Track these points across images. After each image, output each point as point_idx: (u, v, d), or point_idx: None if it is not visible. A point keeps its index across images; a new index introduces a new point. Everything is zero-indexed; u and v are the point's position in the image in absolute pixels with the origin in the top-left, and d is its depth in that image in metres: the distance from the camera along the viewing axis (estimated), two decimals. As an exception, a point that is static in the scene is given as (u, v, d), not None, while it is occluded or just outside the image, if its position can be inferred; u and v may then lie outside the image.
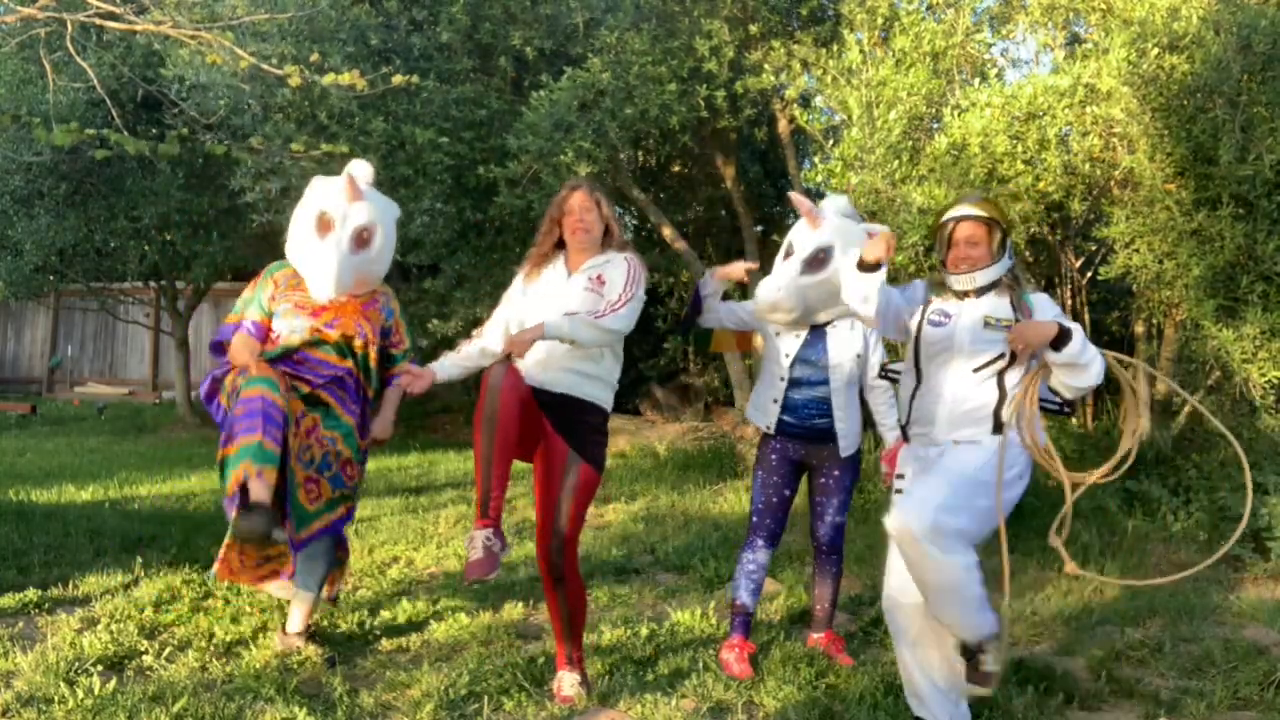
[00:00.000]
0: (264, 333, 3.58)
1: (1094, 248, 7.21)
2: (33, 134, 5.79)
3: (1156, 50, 5.46)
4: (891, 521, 2.83)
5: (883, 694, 3.30)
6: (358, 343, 3.60)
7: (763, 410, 3.78)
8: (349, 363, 3.59)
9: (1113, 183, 6.07)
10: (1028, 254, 6.84)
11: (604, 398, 3.35)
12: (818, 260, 3.33)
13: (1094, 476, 3.02)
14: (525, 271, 3.47)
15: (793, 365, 3.68)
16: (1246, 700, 3.38)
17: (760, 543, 3.75)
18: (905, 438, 3.20)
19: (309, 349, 3.54)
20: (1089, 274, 7.13)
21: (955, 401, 3.01)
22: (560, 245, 3.44)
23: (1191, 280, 5.51)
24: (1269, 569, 4.99)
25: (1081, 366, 2.92)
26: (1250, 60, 5.30)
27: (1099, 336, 8.66)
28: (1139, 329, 7.23)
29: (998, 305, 3.05)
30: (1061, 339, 2.89)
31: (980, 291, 3.07)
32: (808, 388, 3.68)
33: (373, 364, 3.66)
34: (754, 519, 3.78)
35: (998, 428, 2.98)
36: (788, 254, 3.44)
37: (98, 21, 5.10)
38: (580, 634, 3.37)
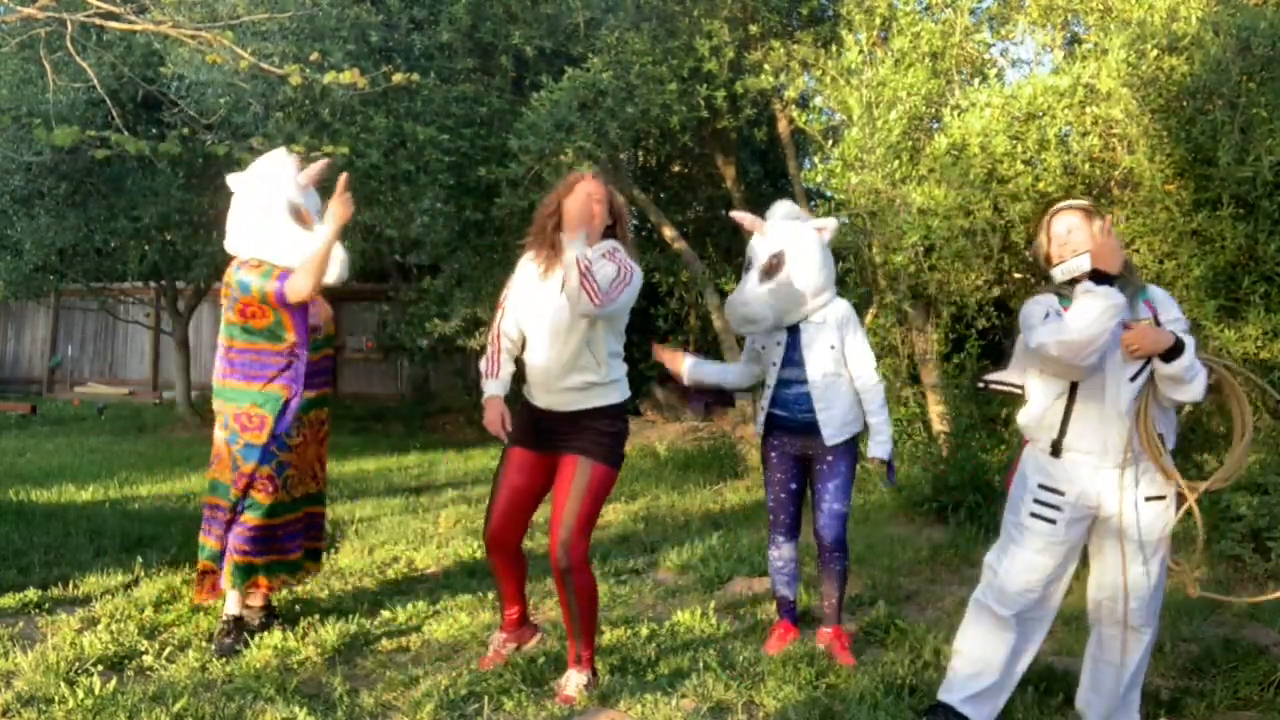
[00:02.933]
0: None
1: (1094, 248, 7.20)
2: (33, 134, 5.79)
3: (1156, 51, 5.47)
4: (1143, 618, 2.98)
5: (883, 694, 3.30)
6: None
7: (758, 418, 3.96)
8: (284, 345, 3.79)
9: (1113, 183, 6.07)
10: (1028, 254, 6.84)
11: (614, 398, 3.34)
12: (772, 267, 3.63)
13: (1205, 485, 2.95)
14: (541, 265, 3.32)
15: (781, 369, 3.82)
16: (1246, 700, 3.38)
17: (780, 538, 3.92)
18: (1055, 453, 3.01)
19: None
20: (1089, 274, 7.12)
21: (1127, 417, 2.90)
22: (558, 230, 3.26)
23: (1192, 280, 5.51)
24: (1269, 569, 4.99)
25: (1186, 382, 2.85)
26: (1249, 62, 5.30)
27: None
28: (1139, 329, 7.22)
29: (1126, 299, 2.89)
30: (1174, 350, 2.81)
31: (1089, 279, 2.89)
32: (797, 385, 3.79)
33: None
34: (769, 517, 3.95)
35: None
36: (747, 267, 3.74)
37: (98, 21, 5.10)
38: (590, 633, 3.37)
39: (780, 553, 3.93)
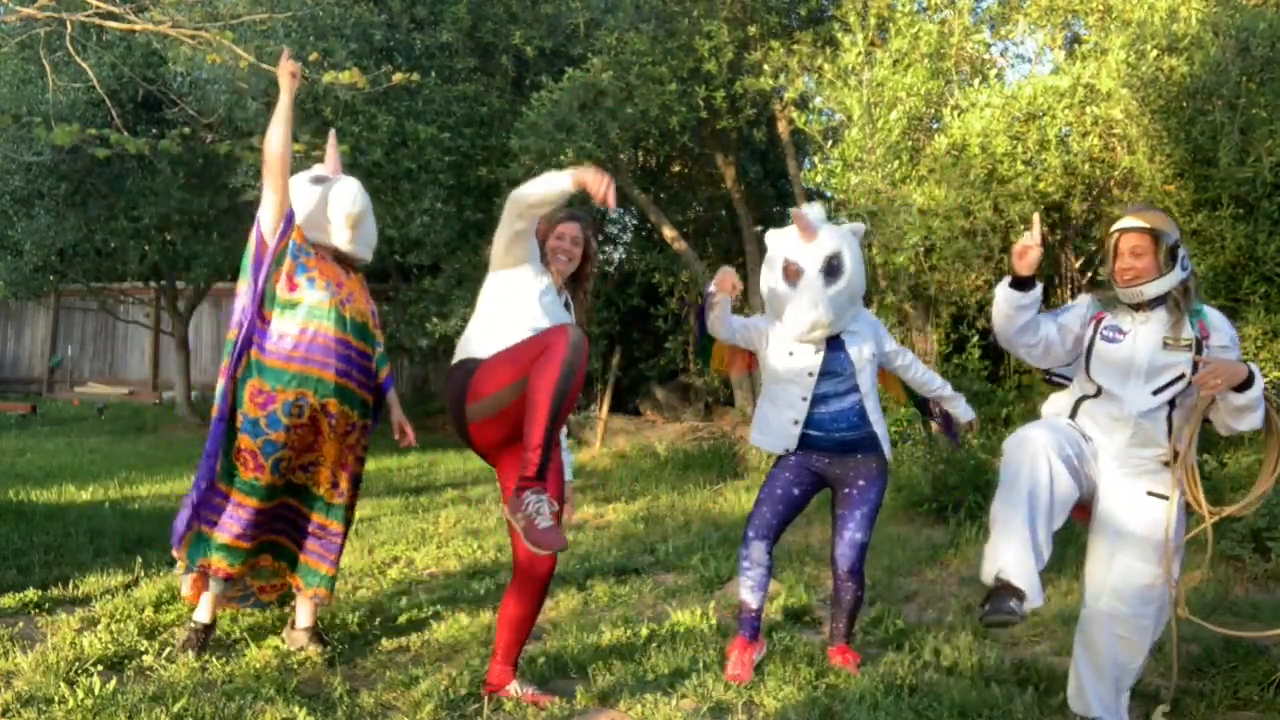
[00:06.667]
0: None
1: (1094, 248, 7.21)
2: (33, 134, 5.79)
3: (1155, 52, 5.47)
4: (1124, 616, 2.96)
5: (883, 694, 3.29)
6: (371, 322, 3.68)
7: (779, 434, 3.58)
8: (362, 344, 3.62)
9: (1112, 183, 6.07)
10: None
11: None
12: (834, 268, 3.48)
13: (1229, 510, 3.00)
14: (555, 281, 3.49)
15: (818, 382, 3.54)
16: (1246, 700, 3.38)
17: (752, 535, 3.56)
18: None
19: (324, 328, 3.48)
20: (1089, 274, 7.13)
21: (1139, 424, 2.94)
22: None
23: (1192, 281, 5.51)
24: (1269, 569, 4.98)
25: (1251, 411, 2.86)
26: (1249, 63, 5.30)
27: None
28: (1139, 329, 7.22)
29: (1171, 321, 2.96)
30: (1247, 382, 2.80)
31: (1151, 304, 2.98)
32: (835, 400, 3.53)
33: (380, 347, 3.77)
34: (752, 510, 3.63)
35: (1173, 455, 2.93)
36: (793, 273, 3.51)
37: (98, 21, 5.10)
38: None
39: (750, 552, 3.55)
